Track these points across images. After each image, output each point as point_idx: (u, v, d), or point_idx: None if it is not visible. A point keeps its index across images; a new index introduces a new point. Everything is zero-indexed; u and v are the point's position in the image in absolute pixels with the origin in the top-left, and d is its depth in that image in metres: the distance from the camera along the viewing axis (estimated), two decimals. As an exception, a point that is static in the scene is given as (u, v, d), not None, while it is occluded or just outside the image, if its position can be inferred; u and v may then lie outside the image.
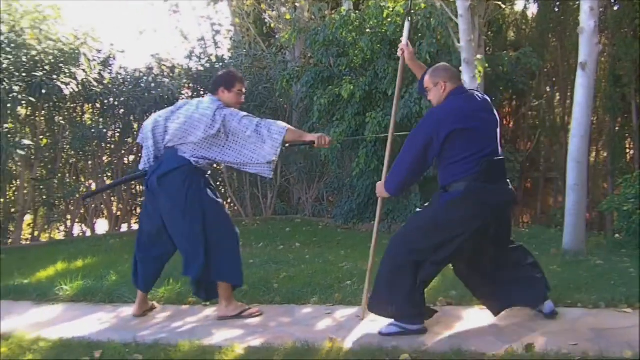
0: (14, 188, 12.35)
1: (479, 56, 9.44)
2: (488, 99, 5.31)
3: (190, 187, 5.76)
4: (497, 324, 5.25)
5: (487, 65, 10.01)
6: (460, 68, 9.45)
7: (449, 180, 4.99)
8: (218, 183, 14.55)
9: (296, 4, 14.98)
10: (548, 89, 15.48)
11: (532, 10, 15.27)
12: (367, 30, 11.81)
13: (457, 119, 4.94)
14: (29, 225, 12.77)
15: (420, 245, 4.98)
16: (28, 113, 12.36)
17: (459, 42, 9.43)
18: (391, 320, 5.13)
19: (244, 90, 6.06)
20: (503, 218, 5.24)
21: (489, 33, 13.11)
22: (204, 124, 5.71)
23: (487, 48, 12.81)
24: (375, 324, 5.36)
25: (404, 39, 6.03)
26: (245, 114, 5.79)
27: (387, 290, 5.06)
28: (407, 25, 6.19)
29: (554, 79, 15.29)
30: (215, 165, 5.87)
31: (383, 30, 11.55)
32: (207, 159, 5.84)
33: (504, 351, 4.50)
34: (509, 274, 5.34)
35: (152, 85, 12.75)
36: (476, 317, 5.43)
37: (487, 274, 5.32)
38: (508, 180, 5.20)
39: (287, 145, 6.08)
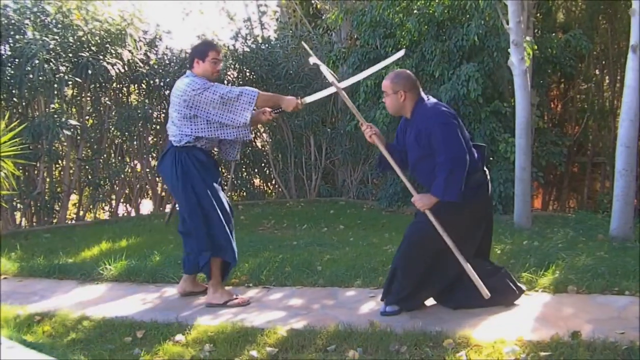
0: (59, 168, 12.41)
1: (527, 38, 9.29)
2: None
3: (177, 168, 5.90)
4: (542, 311, 5.19)
5: (535, 47, 9.85)
6: (509, 50, 9.31)
7: None
8: (263, 164, 14.57)
9: (343, -15, 14.90)
10: (597, 72, 15.23)
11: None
12: (415, 11, 11.67)
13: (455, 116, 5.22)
14: (74, 205, 12.84)
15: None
16: (74, 93, 12.41)
17: (507, 23, 9.27)
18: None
19: (219, 57, 6.10)
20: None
21: (538, 15, 12.89)
22: (176, 106, 5.88)
23: (536, 30, 12.59)
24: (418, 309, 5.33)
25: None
26: (212, 85, 5.85)
27: None
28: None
29: (604, 62, 15.01)
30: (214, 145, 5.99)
31: (430, 12, 11.41)
32: (193, 135, 5.90)
33: (550, 338, 4.43)
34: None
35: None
36: (521, 304, 5.34)
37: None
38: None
39: (277, 111, 6.20)
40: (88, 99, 12.38)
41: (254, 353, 4.45)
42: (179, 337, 4.86)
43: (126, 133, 12.63)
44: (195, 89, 5.76)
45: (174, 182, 5.92)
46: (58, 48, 11.01)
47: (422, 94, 5.35)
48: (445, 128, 5.04)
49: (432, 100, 5.39)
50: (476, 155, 5.19)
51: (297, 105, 6.01)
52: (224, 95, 5.77)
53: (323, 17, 15.06)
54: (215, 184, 5.98)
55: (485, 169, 5.31)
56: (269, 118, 6.20)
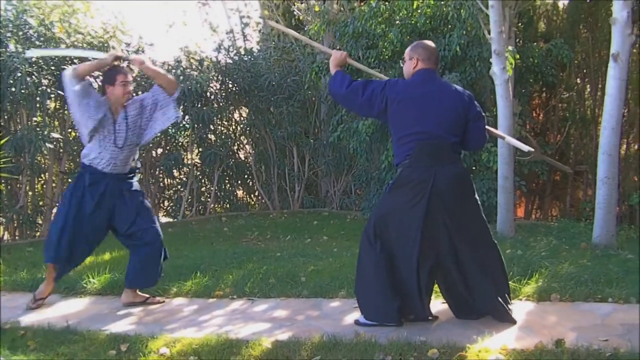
0: (42, 181, 12.39)
1: (510, 48, 9.34)
2: (462, 92, 5.39)
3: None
4: (526, 319, 5.20)
5: (518, 56, 9.90)
6: (491, 60, 9.36)
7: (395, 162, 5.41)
8: (246, 176, 14.57)
9: (325, -4, 14.93)
10: (578, 81, 15.29)
11: (563, 1, 15.14)
12: (397, 21, 11.70)
13: (404, 91, 5.21)
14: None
15: None
16: (57, 106, 12.38)
17: (489, 33, 9.31)
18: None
19: (128, 79, 6.26)
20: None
21: (519, 24, 12.96)
22: None
23: (517, 39, 12.66)
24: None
25: None
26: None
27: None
28: None
29: (585, 71, 15.07)
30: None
31: (413, 22, 11.44)
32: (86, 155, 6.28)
33: (533, 346, 4.44)
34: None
35: (181, 78, 12.71)
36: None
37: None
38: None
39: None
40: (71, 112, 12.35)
41: (238, 365, 4.45)
42: (164, 350, 4.83)
43: (109, 146, 12.63)
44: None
45: None
46: (40, 61, 10.99)
47: (436, 71, 5.37)
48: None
49: (441, 80, 5.47)
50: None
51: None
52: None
53: (305, 29, 15.08)
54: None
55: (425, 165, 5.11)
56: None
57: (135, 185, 6.50)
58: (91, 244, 6.47)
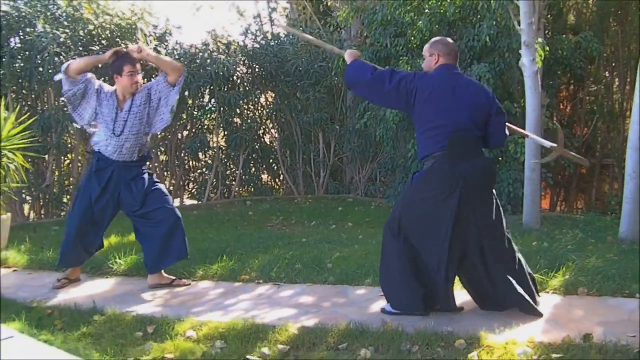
0: (68, 161, 12.43)
1: (539, 39, 9.26)
2: (484, 87, 5.52)
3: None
4: (553, 312, 5.18)
5: (547, 48, 9.83)
6: (520, 51, 9.29)
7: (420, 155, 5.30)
8: (271, 160, 14.59)
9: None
10: (607, 74, 15.17)
11: (594, -7, 15.03)
12: (426, 10, 11.62)
13: (434, 83, 5.17)
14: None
15: None
16: (84, 86, 12.42)
17: (519, 24, 9.24)
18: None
19: (136, 69, 6.28)
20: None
21: (549, 16, 12.85)
22: None
23: (547, 31, 12.56)
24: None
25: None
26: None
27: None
28: None
29: (614, 64, 14.95)
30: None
31: (442, 11, 11.36)
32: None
33: (561, 340, 4.42)
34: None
35: (208, 61, 12.70)
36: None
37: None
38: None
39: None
40: (98, 92, 12.39)
41: (265, 350, 4.45)
42: (190, 332, 4.86)
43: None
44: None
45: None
46: (68, 41, 11.04)
47: (456, 65, 5.36)
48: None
49: (464, 75, 5.46)
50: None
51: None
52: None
53: (333, 15, 15.03)
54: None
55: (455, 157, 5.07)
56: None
57: (145, 171, 6.54)
58: (100, 227, 6.56)
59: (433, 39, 5.48)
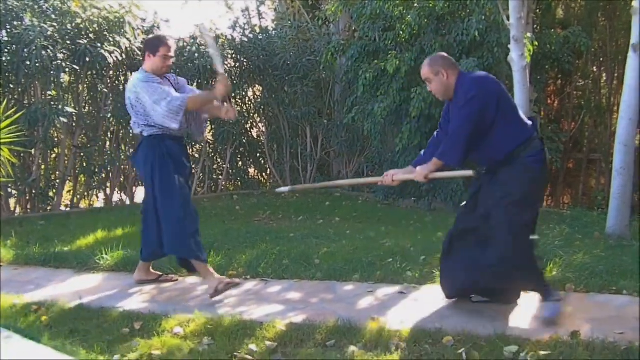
0: (55, 155, 12.38)
1: (528, 34, 9.28)
2: None
3: (147, 159, 5.97)
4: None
5: (536, 43, 9.84)
6: (509, 46, 9.29)
7: (510, 147, 4.96)
8: (258, 154, 14.57)
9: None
10: (595, 69, 15.26)
11: (582, -12, 15.06)
12: (415, 4, 11.64)
13: (497, 84, 5.06)
14: (68, 192, 12.81)
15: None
16: (71, 80, 12.33)
17: (508, 19, 9.26)
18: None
19: (170, 54, 6.09)
20: None
21: (538, 11, 12.91)
22: (127, 100, 6.01)
23: (535, 26, 12.61)
24: (417, 303, 5.34)
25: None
26: (146, 88, 5.88)
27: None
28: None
29: (602, 59, 15.04)
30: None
31: (431, 5, 11.38)
32: (150, 125, 5.94)
33: (549, 337, 4.43)
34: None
35: (196, 55, 12.69)
36: (521, 302, 5.32)
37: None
38: None
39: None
40: (85, 86, 12.34)
41: (253, 347, 4.43)
42: (178, 329, 4.84)
43: (122, 121, 12.56)
44: (134, 90, 5.90)
45: (146, 173, 5.99)
46: (56, 35, 10.97)
47: (461, 69, 5.26)
48: (466, 94, 4.92)
49: (474, 74, 5.38)
50: (531, 123, 5.10)
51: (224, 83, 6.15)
52: (156, 102, 5.78)
53: (322, 8, 15.02)
54: (178, 177, 5.97)
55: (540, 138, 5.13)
56: (230, 115, 6.38)
57: None
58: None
59: (425, 62, 5.27)
